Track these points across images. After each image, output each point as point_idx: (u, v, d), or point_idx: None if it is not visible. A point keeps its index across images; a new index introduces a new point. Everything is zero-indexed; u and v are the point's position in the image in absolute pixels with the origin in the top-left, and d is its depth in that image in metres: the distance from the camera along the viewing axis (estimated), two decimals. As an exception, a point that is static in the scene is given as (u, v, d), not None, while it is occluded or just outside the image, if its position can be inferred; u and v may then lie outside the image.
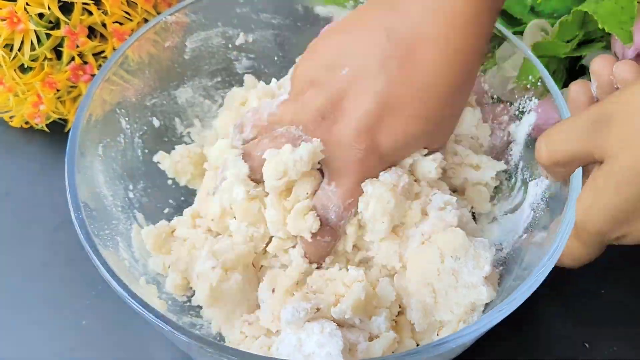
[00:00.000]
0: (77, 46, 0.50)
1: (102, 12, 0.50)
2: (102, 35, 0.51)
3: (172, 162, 0.48)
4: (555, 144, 0.35)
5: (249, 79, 0.52)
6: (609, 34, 0.48)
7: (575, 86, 0.40)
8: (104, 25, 0.50)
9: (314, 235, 0.39)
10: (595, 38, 0.49)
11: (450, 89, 0.39)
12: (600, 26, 0.45)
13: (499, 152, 0.47)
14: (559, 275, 0.37)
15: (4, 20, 0.47)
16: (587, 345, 0.45)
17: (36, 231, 0.51)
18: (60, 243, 0.50)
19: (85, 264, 0.48)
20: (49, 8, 0.47)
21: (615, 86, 0.38)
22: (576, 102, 0.40)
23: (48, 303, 0.47)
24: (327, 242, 0.39)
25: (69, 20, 0.48)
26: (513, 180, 0.46)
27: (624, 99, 0.33)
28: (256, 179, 0.40)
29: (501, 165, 0.45)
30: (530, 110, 0.45)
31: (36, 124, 0.54)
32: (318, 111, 0.39)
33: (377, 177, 0.40)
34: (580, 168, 0.37)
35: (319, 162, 0.39)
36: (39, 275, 0.48)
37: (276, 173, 0.38)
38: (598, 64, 0.39)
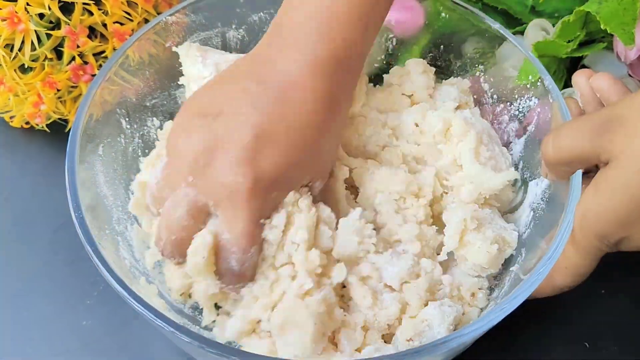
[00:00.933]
0: (78, 46, 0.50)
1: (103, 12, 0.50)
2: (102, 36, 0.51)
3: None
4: (563, 142, 0.35)
5: None
6: (611, 35, 0.48)
7: (579, 77, 0.40)
8: (104, 25, 0.50)
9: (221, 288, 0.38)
10: (596, 38, 0.49)
11: (320, 126, 0.39)
12: (602, 27, 0.45)
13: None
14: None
15: (5, 20, 0.47)
16: (587, 344, 0.46)
17: (37, 232, 0.51)
18: (60, 244, 0.50)
19: (85, 264, 0.48)
20: (49, 8, 0.47)
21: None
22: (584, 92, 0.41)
23: (48, 303, 0.47)
24: (237, 287, 0.39)
25: (70, 20, 0.48)
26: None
27: (630, 103, 0.33)
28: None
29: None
30: (530, 110, 0.45)
31: (37, 124, 0.54)
32: (195, 159, 0.38)
33: (270, 207, 0.38)
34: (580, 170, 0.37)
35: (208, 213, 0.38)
36: (39, 275, 0.48)
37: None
38: (579, 78, 0.40)
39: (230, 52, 0.50)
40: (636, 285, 0.48)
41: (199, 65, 0.47)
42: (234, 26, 0.52)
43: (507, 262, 0.42)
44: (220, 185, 0.37)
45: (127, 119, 0.47)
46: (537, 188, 0.43)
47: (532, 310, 0.46)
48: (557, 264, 0.37)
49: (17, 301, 0.47)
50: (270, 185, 0.38)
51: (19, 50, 0.48)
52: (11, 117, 0.54)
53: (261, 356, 0.34)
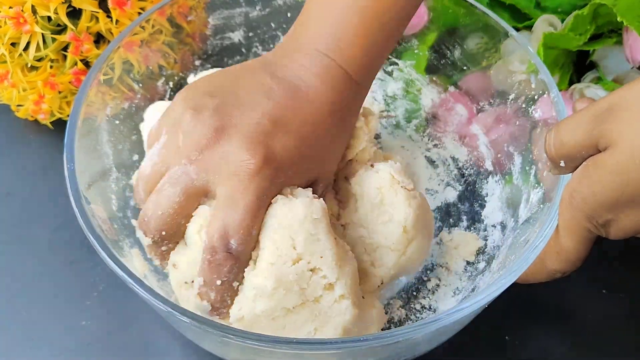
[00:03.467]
0: (82, 52, 0.50)
1: (113, 21, 0.50)
2: (110, 43, 0.52)
3: None
4: (564, 137, 0.35)
5: None
6: (619, 32, 0.47)
7: (580, 104, 0.40)
8: (112, 33, 0.51)
9: (211, 261, 0.36)
10: (603, 33, 0.48)
11: (330, 129, 0.40)
12: (618, 19, 0.44)
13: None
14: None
15: (11, 19, 0.48)
16: (586, 344, 0.45)
17: (36, 232, 0.50)
18: (60, 244, 0.50)
19: (85, 264, 0.48)
20: (56, 12, 0.48)
21: None
22: None
23: (47, 304, 0.47)
24: (229, 269, 0.36)
25: (76, 26, 0.49)
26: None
27: (630, 91, 0.33)
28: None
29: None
30: (533, 105, 0.45)
31: (41, 119, 0.54)
32: (203, 136, 0.37)
33: (274, 194, 0.37)
34: None
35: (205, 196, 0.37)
36: (38, 276, 0.48)
37: None
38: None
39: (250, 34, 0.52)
40: (636, 284, 0.48)
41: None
42: (258, 7, 0.53)
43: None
44: (227, 162, 0.36)
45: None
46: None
47: (531, 310, 0.46)
48: (548, 249, 0.37)
49: (17, 301, 0.47)
50: (280, 168, 0.37)
51: (25, 49, 0.49)
52: (18, 106, 0.54)
53: (266, 335, 0.33)
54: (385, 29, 0.41)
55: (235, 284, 0.37)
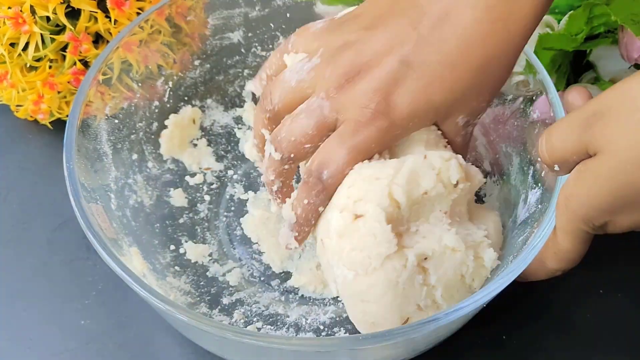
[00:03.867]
0: (81, 52, 0.50)
1: (112, 21, 0.50)
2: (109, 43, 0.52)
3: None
4: (555, 142, 0.35)
5: None
6: (615, 32, 0.48)
7: (572, 93, 0.40)
8: (111, 33, 0.51)
9: (306, 181, 0.39)
10: (600, 33, 0.48)
11: (484, 59, 0.37)
12: (612, 18, 0.44)
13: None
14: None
15: (10, 19, 0.48)
16: (586, 344, 0.45)
17: (35, 231, 0.50)
18: (59, 243, 0.50)
19: (84, 264, 0.48)
20: (55, 12, 0.48)
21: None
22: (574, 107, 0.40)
23: (47, 303, 0.47)
24: (316, 193, 0.39)
25: (75, 26, 0.49)
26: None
27: (618, 93, 0.33)
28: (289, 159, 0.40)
29: None
30: (531, 105, 0.45)
31: (41, 119, 0.54)
32: (345, 74, 0.38)
33: (384, 147, 0.38)
34: None
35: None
36: (37, 275, 0.48)
37: None
38: (572, 96, 0.40)
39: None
40: (636, 284, 0.47)
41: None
42: (257, 8, 0.53)
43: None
44: (352, 104, 0.38)
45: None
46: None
47: (529, 309, 0.45)
48: (546, 249, 0.37)
49: (16, 301, 0.47)
50: (397, 122, 0.38)
51: (24, 49, 0.49)
52: (17, 106, 0.55)
53: (262, 334, 0.34)
54: None
55: (321, 209, 0.39)
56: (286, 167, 0.41)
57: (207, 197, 0.52)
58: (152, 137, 0.52)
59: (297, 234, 0.40)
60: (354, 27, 0.40)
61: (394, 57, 0.37)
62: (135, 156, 0.48)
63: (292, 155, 0.40)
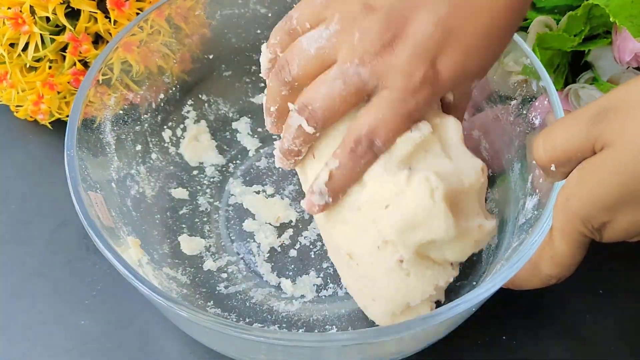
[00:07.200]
0: (81, 52, 0.50)
1: (111, 21, 0.50)
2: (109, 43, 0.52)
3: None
4: (555, 142, 0.34)
5: None
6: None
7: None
8: (111, 34, 0.51)
9: (354, 149, 0.37)
10: (599, 34, 0.49)
11: (507, 29, 0.39)
12: (611, 19, 0.45)
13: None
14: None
15: (10, 20, 0.48)
16: (585, 344, 0.45)
17: (34, 231, 0.50)
18: (58, 243, 0.50)
19: (84, 264, 0.48)
20: (54, 12, 0.48)
21: None
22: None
23: (46, 303, 0.47)
24: (366, 162, 0.38)
25: (76, 25, 0.49)
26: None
27: (630, 89, 0.33)
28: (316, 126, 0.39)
29: None
30: (531, 106, 0.45)
31: (40, 120, 0.54)
32: (379, 38, 0.37)
33: (426, 111, 0.38)
34: None
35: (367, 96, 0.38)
36: (37, 275, 0.48)
37: None
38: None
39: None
40: (635, 284, 0.48)
41: None
42: (257, 7, 0.54)
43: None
44: (395, 72, 0.37)
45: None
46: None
47: (529, 310, 0.46)
48: (543, 253, 0.37)
49: (15, 301, 0.47)
50: (440, 88, 0.37)
51: (24, 50, 0.49)
52: (17, 106, 0.55)
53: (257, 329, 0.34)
54: None
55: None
56: (318, 134, 0.39)
57: (208, 191, 0.52)
58: (157, 129, 0.52)
59: (331, 199, 0.39)
60: None
61: (431, 18, 0.37)
62: (139, 147, 0.48)
63: (328, 123, 0.39)
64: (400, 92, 0.37)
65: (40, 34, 0.49)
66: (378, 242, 0.37)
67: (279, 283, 0.47)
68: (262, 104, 0.44)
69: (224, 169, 0.54)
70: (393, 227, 0.36)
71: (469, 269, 0.46)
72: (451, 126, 0.39)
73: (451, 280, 0.38)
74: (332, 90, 0.37)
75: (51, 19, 0.49)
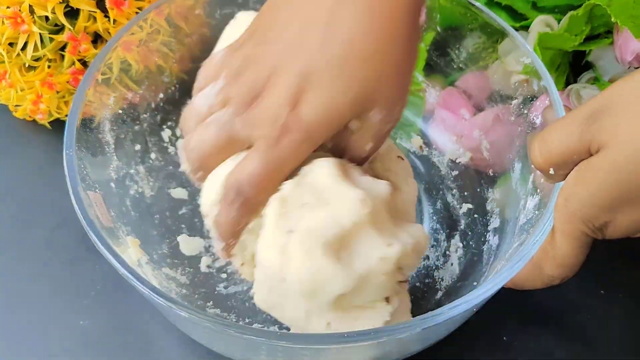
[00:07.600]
0: (80, 52, 0.50)
1: (110, 20, 0.50)
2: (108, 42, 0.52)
3: None
4: (550, 146, 0.35)
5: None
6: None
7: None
8: (110, 32, 0.51)
9: (224, 199, 0.38)
10: (600, 34, 0.49)
11: (368, 51, 0.37)
12: (612, 19, 0.45)
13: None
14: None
15: (9, 19, 0.48)
16: (586, 344, 0.45)
17: (34, 231, 0.50)
18: (58, 243, 0.49)
19: (84, 264, 0.48)
20: (54, 12, 0.48)
21: None
22: None
23: (46, 303, 0.47)
24: (236, 211, 0.38)
25: (75, 25, 0.49)
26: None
27: (623, 88, 0.33)
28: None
29: None
30: (532, 105, 0.45)
31: (39, 119, 0.54)
32: (249, 91, 0.38)
33: (300, 158, 0.38)
34: None
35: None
36: (36, 275, 0.48)
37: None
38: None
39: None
40: (636, 284, 0.48)
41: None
42: (257, 7, 0.53)
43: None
44: (262, 121, 0.38)
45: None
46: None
47: (530, 310, 0.46)
48: (545, 254, 0.36)
49: (14, 301, 0.47)
50: (310, 132, 0.37)
51: (23, 49, 0.49)
52: (16, 106, 0.55)
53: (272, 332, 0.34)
54: None
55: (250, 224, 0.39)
56: (199, 174, 0.41)
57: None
58: (156, 128, 0.52)
59: (224, 244, 0.40)
60: (251, 45, 0.40)
61: (292, 69, 0.37)
62: (138, 147, 0.48)
63: (200, 166, 0.40)
64: (265, 140, 0.37)
65: (40, 33, 0.49)
66: (302, 313, 0.37)
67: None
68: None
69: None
70: (302, 297, 0.36)
71: (469, 269, 0.46)
72: (319, 171, 0.38)
73: (388, 318, 0.37)
74: (207, 134, 0.39)
75: (50, 18, 0.49)
